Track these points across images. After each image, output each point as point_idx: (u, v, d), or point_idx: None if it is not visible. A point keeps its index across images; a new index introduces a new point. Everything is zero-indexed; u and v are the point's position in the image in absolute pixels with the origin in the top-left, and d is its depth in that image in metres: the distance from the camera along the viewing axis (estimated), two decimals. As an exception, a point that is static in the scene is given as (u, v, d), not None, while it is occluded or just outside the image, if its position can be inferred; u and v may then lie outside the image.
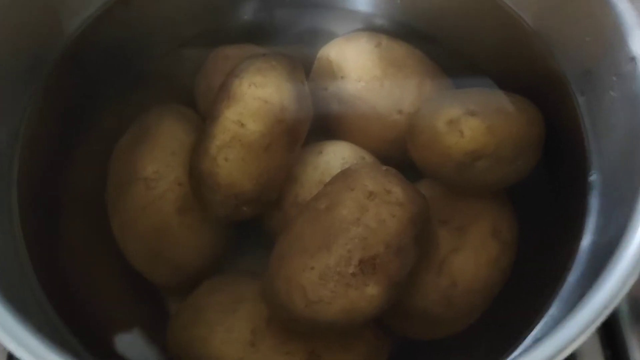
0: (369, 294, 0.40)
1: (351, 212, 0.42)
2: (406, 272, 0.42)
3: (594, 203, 0.44)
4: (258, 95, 0.46)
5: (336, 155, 0.51)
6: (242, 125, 0.46)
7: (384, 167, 0.46)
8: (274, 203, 0.49)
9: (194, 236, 0.50)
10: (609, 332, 0.50)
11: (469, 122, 0.45)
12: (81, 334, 0.44)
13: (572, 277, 0.41)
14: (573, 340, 0.30)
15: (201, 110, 0.56)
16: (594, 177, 0.45)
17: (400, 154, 0.51)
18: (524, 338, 0.40)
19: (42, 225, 0.50)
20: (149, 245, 0.49)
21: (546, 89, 0.50)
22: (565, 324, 0.31)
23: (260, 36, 0.59)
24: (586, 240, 0.42)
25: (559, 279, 0.41)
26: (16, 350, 0.33)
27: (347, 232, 0.41)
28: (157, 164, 0.50)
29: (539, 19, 0.49)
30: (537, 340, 0.32)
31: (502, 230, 0.48)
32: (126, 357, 0.48)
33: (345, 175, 0.45)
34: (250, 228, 0.51)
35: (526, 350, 0.32)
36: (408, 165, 0.49)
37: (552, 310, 0.40)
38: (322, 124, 0.55)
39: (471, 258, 0.46)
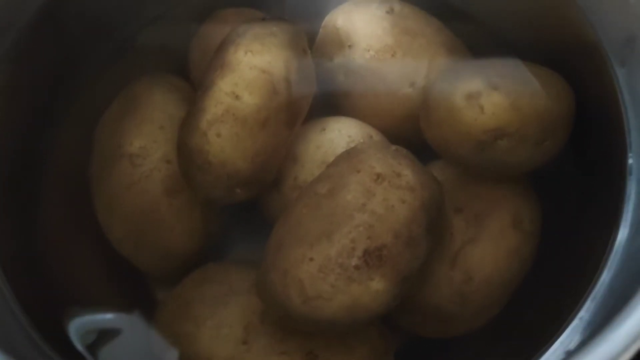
0: (374, 289, 0.36)
1: (356, 197, 0.38)
2: (417, 265, 0.38)
3: (631, 190, 0.39)
4: (255, 64, 0.42)
5: (341, 133, 0.47)
6: (237, 97, 0.41)
7: (394, 147, 0.41)
8: (271, 185, 0.45)
9: (183, 220, 0.45)
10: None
11: (491, 96, 0.40)
12: (56, 329, 0.40)
13: (607, 275, 0.36)
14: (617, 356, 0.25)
15: (194, 80, 0.52)
16: (632, 161, 0.39)
17: (411, 132, 0.47)
18: (550, 342, 0.36)
19: (20, 206, 0.46)
20: (134, 229, 0.45)
21: (578, 60, 0.44)
22: (605, 335, 0.26)
23: (263, 1, 0.54)
24: (623, 234, 0.37)
25: (591, 277, 0.37)
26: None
27: (351, 220, 0.37)
28: (143, 139, 0.46)
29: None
30: (568, 350, 0.28)
31: (524, 219, 0.43)
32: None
33: (350, 156, 0.41)
34: (246, 212, 0.47)
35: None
36: (420, 145, 0.44)
37: (583, 313, 0.35)
38: (327, 98, 0.50)
39: (489, 250, 0.42)
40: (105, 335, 0.46)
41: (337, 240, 0.36)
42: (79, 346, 0.43)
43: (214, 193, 0.43)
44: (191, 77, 0.51)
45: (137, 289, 0.49)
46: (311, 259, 0.36)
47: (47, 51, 0.47)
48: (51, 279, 0.46)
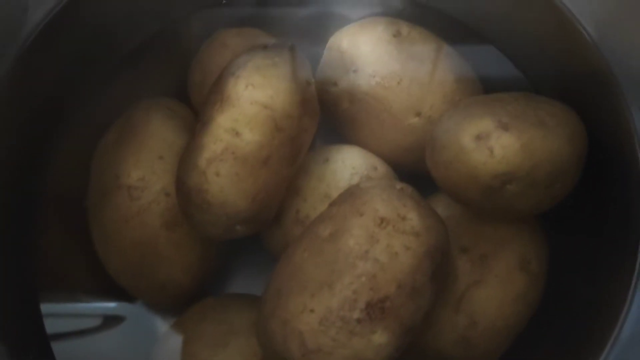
0: (376, 343, 0.35)
1: (359, 243, 0.36)
2: (421, 315, 0.37)
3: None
4: (256, 98, 0.40)
5: (345, 164, 0.45)
6: (237, 134, 0.39)
7: (399, 186, 0.40)
8: (273, 220, 0.44)
9: (182, 253, 0.45)
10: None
11: (501, 138, 0.39)
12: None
13: (628, 329, 0.34)
14: None
15: (195, 103, 0.50)
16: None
17: (416, 162, 0.45)
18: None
19: (16, 235, 0.45)
20: (132, 262, 0.44)
21: (593, 97, 0.42)
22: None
23: (264, 18, 0.52)
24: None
25: (610, 327, 0.35)
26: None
27: (354, 269, 0.36)
28: (142, 170, 0.44)
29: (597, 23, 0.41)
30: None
31: (532, 260, 0.42)
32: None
33: (353, 196, 0.39)
34: (248, 243, 0.46)
35: None
36: (425, 175, 0.43)
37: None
38: (330, 126, 0.49)
39: (495, 293, 0.41)
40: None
41: (338, 290, 0.35)
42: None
43: (214, 231, 0.41)
44: (191, 101, 0.50)
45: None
46: (312, 310, 0.35)
47: (45, 73, 0.46)
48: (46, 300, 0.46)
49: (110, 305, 0.47)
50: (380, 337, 0.35)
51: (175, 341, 0.42)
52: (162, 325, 0.47)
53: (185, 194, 0.40)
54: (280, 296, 0.37)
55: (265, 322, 0.37)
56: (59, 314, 0.46)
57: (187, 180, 0.40)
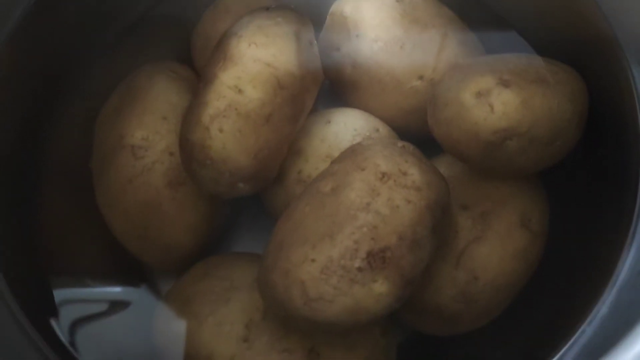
0: (377, 291, 0.36)
1: (360, 196, 0.37)
2: (421, 268, 0.37)
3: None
4: (259, 56, 0.40)
5: (347, 126, 0.46)
6: (240, 91, 0.40)
7: (400, 144, 0.40)
8: (275, 179, 0.44)
9: (185, 213, 0.45)
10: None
11: (502, 94, 0.39)
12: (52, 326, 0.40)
13: (619, 284, 0.35)
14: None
15: (198, 68, 0.50)
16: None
17: (419, 124, 0.46)
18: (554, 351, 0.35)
19: (21, 197, 0.46)
20: (136, 222, 0.45)
21: (593, 56, 0.43)
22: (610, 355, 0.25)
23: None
24: (636, 243, 0.36)
25: (602, 283, 0.35)
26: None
27: (355, 220, 0.36)
28: (146, 130, 0.45)
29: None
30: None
31: (532, 218, 0.42)
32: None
33: (355, 153, 0.39)
34: (249, 203, 0.46)
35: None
36: (427, 138, 0.43)
37: (586, 326, 0.34)
38: (332, 89, 0.49)
39: (495, 249, 0.41)
40: (106, 325, 0.46)
41: (340, 241, 0.36)
42: (68, 336, 0.43)
43: (216, 188, 0.42)
44: (195, 65, 0.50)
45: (140, 280, 0.49)
46: (313, 260, 0.36)
47: (47, 38, 0.46)
48: (51, 269, 0.46)
49: (115, 290, 0.48)
50: (380, 286, 0.36)
51: (177, 299, 0.42)
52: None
53: (188, 150, 0.41)
54: (282, 248, 0.37)
55: (267, 273, 0.38)
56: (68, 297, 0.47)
57: (190, 137, 0.41)
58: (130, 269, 0.48)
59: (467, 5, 0.50)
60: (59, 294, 0.45)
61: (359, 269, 0.35)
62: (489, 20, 0.50)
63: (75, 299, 0.46)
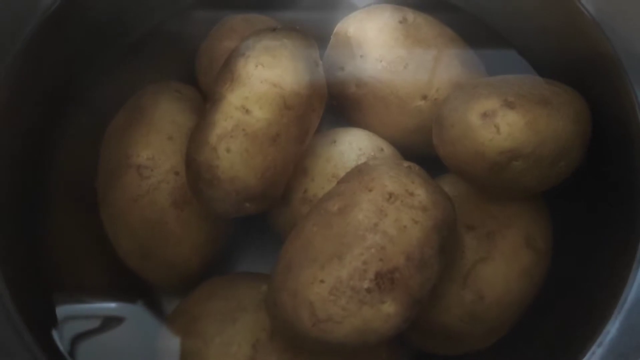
0: (386, 312, 0.36)
1: (368, 217, 0.37)
2: (428, 287, 0.37)
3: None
4: (266, 77, 0.41)
5: (352, 146, 0.46)
6: (247, 111, 0.40)
7: (406, 164, 0.41)
8: (281, 198, 0.44)
9: (190, 232, 0.45)
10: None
11: (507, 115, 0.39)
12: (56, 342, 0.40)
13: (628, 305, 0.35)
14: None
15: (202, 88, 0.51)
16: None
17: (422, 144, 0.46)
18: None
19: (27, 214, 0.46)
20: (141, 241, 0.45)
21: (597, 77, 0.43)
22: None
23: (272, 5, 0.53)
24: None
25: (610, 304, 0.36)
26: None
27: (363, 241, 0.36)
28: (152, 150, 0.45)
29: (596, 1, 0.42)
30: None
31: (537, 237, 0.43)
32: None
33: (361, 173, 0.40)
34: (255, 222, 0.46)
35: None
36: (432, 158, 0.44)
37: (603, 340, 0.34)
38: (337, 109, 0.49)
39: (501, 269, 0.42)
40: (107, 343, 0.46)
41: (348, 261, 0.36)
42: (71, 351, 0.43)
43: (223, 208, 0.42)
44: (199, 84, 0.51)
45: (144, 298, 0.49)
46: (322, 281, 0.36)
47: (53, 58, 0.46)
48: (56, 286, 0.46)
49: (117, 308, 0.48)
50: (389, 307, 0.36)
51: (183, 319, 0.42)
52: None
53: (195, 170, 0.41)
54: (291, 269, 0.37)
55: (275, 294, 0.38)
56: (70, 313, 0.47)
57: (197, 157, 0.41)
58: (133, 287, 0.48)
59: (469, 26, 0.51)
60: (62, 310, 0.45)
61: (368, 290, 0.35)
62: (491, 40, 0.51)
63: (78, 315, 0.46)
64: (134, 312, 0.47)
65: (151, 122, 0.46)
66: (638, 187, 0.39)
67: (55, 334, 0.43)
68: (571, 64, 0.45)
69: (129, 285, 0.48)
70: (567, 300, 0.43)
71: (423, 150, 0.46)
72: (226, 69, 0.42)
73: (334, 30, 0.50)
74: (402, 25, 0.48)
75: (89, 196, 0.47)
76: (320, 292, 0.36)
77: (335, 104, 0.48)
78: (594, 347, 0.35)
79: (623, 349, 0.34)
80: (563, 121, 0.40)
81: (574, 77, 0.43)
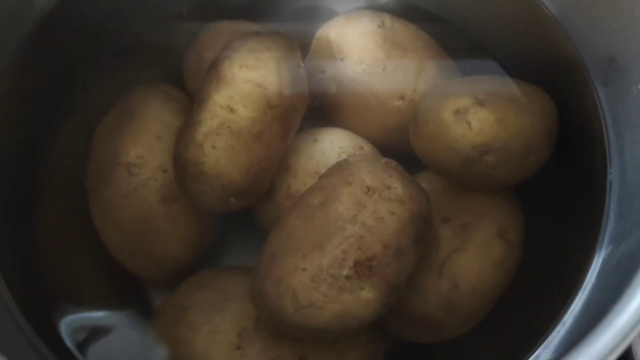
0: (364, 298, 0.38)
1: (347, 209, 0.39)
2: (405, 275, 0.39)
3: (612, 206, 0.40)
4: (250, 78, 0.43)
5: (332, 144, 0.48)
6: (232, 110, 0.42)
7: (384, 160, 0.43)
8: (265, 194, 0.46)
9: (178, 228, 0.47)
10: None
11: (478, 113, 0.42)
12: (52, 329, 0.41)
13: (586, 290, 0.38)
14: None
15: (190, 90, 0.52)
16: (613, 177, 0.41)
17: (400, 143, 0.48)
18: (530, 353, 0.37)
19: (19, 212, 0.47)
20: (131, 237, 0.46)
21: (562, 78, 0.46)
22: (583, 348, 0.28)
23: (256, 12, 0.55)
24: (604, 248, 0.39)
25: (570, 290, 0.38)
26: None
27: (343, 231, 0.38)
28: (140, 149, 0.47)
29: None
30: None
31: (509, 229, 0.45)
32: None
33: (341, 168, 0.42)
34: (240, 218, 0.48)
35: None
36: (409, 155, 0.46)
37: (561, 326, 0.37)
38: (319, 110, 0.51)
39: (475, 259, 0.44)
40: (100, 336, 0.47)
41: (329, 250, 0.38)
42: (70, 344, 0.44)
43: (209, 202, 0.44)
44: (187, 87, 0.53)
45: (134, 293, 0.50)
46: (304, 269, 0.38)
47: (46, 62, 0.48)
48: (48, 282, 0.47)
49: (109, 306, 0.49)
50: (367, 293, 0.38)
51: (172, 310, 0.44)
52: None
53: (183, 166, 0.43)
54: (274, 259, 0.39)
55: (259, 283, 0.39)
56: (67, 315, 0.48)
57: (184, 153, 0.43)
58: (124, 282, 0.50)
59: (445, 31, 0.53)
60: (59, 310, 0.46)
61: (347, 277, 0.37)
62: (465, 45, 0.53)
63: (74, 315, 0.47)
64: (126, 311, 0.49)
65: (141, 122, 0.47)
66: (598, 180, 0.42)
67: (57, 334, 0.44)
68: (538, 66, 0.48)
69: (120, 280, 0.50)
70: (534, 286, 0.45)
71: (402, 148, 0.48)
72: (212, 71, 0.44)
73: (316, 35, 0.52)
74: (381, 30, 0.50)
75: (79, 194, 0.49)
76: (302, 280, 0.37)
77: (317, 104, 0.50)
78: (558, 327, 0.37)
79: (585, 322, 0.36)
80: (531, 117, 0.43)
81: (541, 78, 0.46)
